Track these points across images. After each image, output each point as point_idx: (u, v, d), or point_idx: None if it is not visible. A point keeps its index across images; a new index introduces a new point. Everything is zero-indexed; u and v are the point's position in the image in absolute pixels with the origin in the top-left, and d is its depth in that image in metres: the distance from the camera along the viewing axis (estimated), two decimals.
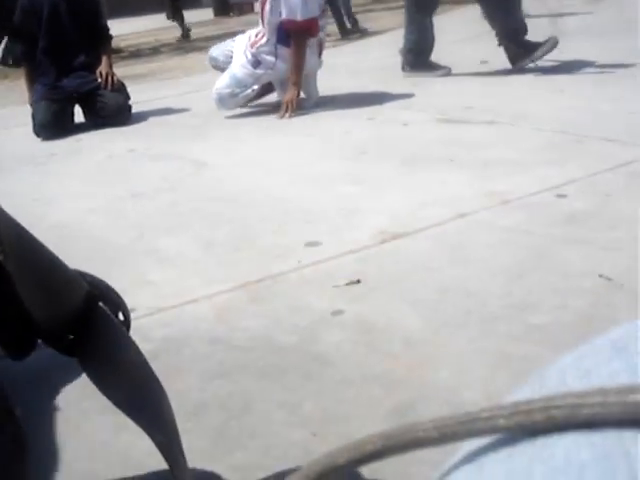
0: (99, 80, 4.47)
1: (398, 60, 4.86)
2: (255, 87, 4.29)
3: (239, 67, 4.26)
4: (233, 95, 4.27)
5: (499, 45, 4.59)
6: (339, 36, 8.15)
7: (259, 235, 2.21)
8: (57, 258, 0.39)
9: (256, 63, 4.18)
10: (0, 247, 0.31)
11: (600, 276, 1.66)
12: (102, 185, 3.09)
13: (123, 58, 8.79)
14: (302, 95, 4.25)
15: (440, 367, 1.39)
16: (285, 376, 1.42)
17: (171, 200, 2.69)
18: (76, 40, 4.49)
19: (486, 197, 2.28)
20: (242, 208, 2.50)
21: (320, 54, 4.36)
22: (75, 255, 2.22)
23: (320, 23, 4.21)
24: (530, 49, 4.45)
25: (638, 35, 5.73)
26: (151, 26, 12.96)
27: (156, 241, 2.27)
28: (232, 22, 17.36)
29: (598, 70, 4.41)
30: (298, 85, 4.12)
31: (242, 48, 4.28)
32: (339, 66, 5.19)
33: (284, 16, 4.03)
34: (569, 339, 1.37)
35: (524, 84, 4.20)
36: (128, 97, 4.59)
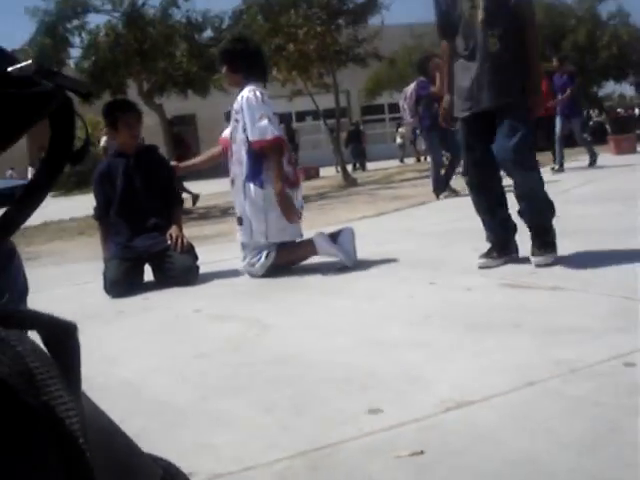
0: (169, 242, 4.64)
1: (458, 224, 4.93)
2: (266, 252, 4.44)
3: (240, 234, 4.57)
4: (251, 265, 4.47)
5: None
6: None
7: (321, 400, 2.19)
8: (133, 444, 0.39)
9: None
10: (86, 445, 0.33)
11: None
12: (167, 344, 3.13)
13: (193, 219, 9.14)
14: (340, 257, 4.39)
15: None
16: None
17: (234, 362, 2.71)
18: (148, 203, 4.72)
19: (553, 365, 2.23)
20: (304, 371, 2.49)
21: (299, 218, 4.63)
22: (138, 415, 2.24)
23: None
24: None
25: None
26: (220, 189, 13.53)
27: (218, 403, 2.27)
28: None
29: None
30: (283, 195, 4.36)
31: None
32: (400, 228, 5.29)
33: (254, 138, 4.36)
34: None
35: (588, 246, 4.19)
36: (196, 258, 4.74)
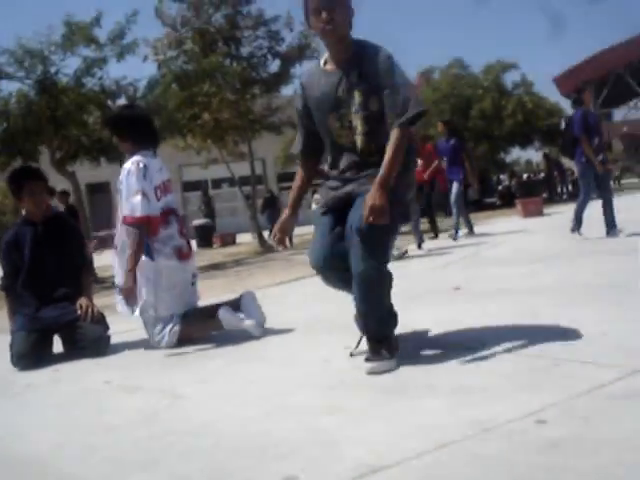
0: (79, 312, 4.52)
1: None
2: (170, 326, 4.36)
3: (121, 305, 4.43)
4: (157, 342, 4.38)
5: None
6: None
7: (234, 470, 2.13)
8: None
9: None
10: None
11: None
12: (76, 418, 3.02)
13: (105, 288, 8.93)
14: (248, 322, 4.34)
15: None
16: None
17: (145, 434, 2.63)
18: (57, 273, 4.61)
19: (466, 425, 2.24)
20: (217, 442, 2.43)
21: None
22: None
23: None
24: None
25: (611, 258, 5.98)
26: None
27: (128, 477, 2.19)
28: (214, 252, 17.96)
29: (571, 293, 4.53)
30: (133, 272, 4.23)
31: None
32: (318, 292, 5.29)
33: (125, 213, 4.29)
34: None
35: (491, 305, 4.28)
36: (107, 327, 4.62)
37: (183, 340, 4.37)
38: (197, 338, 4.43)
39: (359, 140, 3.20)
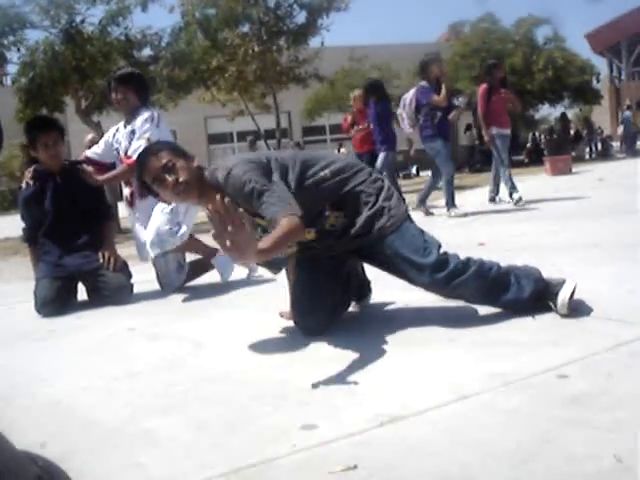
0: (101, 260, 4.54)
1: None
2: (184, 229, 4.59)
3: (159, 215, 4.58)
4: (172, 234, 4.53)
5: None
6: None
7: (254, 417, 2.14)
8: (6, 443, 0.37)
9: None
10: None
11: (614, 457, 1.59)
12: (98, 363, 3.05)
13: (129, 238, 8.97)
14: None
15: None
16: None
17: (166, 380, 2.65)
18: (78, 222, 4.62)
19: (487, 378, 2.24)
20: (238, 389, 2.45)
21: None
22: (66, 434, 2.17)
23: None
24: None
25: (636, 217, 5.89)
26: None
27: (148, 422, 2.21)
28: None
29: (595, 249, 4.48)
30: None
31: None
32: None
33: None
34: None
35: (516, 261, 4.24)
36: (130, 276, 4.66)
37: (182, 250, 4.78)
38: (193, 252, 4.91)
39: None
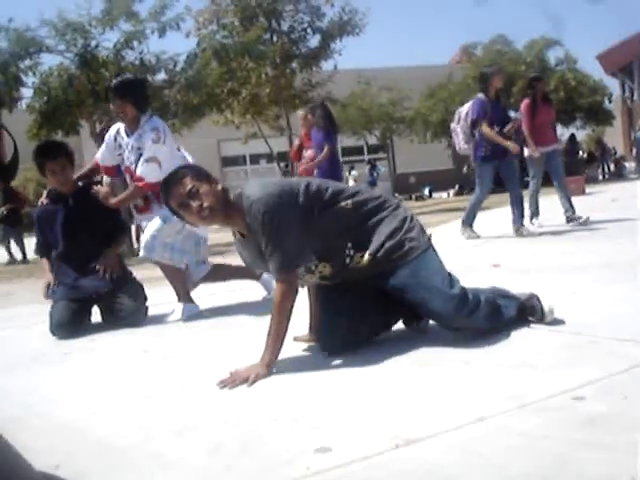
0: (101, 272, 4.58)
1: None
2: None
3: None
4: (165, 245, 4.60)
5: None
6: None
7: (268, 439, 2.14)
8: (22, 459, 0.37)
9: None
10: None
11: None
12: (112, 385, 3.06)
13: (141, 261, 8.99)
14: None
15: None
16: None
17: (180, 403, 2.65)
18: (92, 244, 4.62)
19: (503, 400, 2.22)
20: (252, 410, 2.44)
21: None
22: (79, 456, 2.17)
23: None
24: None
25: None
26: None
27: (162, 444, 2.20)
28: None
29: (609, 270, 4.46)
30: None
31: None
32: None
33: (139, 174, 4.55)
34: None
35: (530, 282, 4.22)
36: (146, 299, 4.67)
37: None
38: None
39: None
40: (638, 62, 32.76)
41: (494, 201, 10.88)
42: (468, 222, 7.94)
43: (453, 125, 7.96)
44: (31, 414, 2.71)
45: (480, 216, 8.17)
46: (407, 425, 2.10)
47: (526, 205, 8.15)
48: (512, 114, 8.06)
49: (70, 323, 4.40)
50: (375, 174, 26.98)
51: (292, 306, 2.90)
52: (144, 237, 4.63)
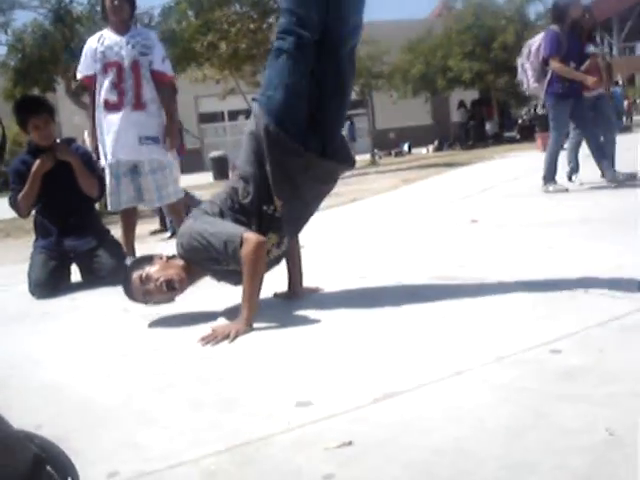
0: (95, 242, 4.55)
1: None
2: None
3: None
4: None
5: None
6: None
7: (249, 395, 2.16)
8: (2, 419, 0.37)
9: None
10: None
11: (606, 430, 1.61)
12: (93, 344, 3.06)
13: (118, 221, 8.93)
14: None
15: None
16: None
17: (162, 360, 2.66)
18: (71, 200, 4.59)
19: (481, 354, 2.25)
20: (233, 367, 2.46)
21: None
22: (61, 415, 2.18)
23: None
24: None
25: (626, 194, 5.92)
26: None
27: (144, 402, 2.22)
28: None
29: (587, 226, 4.50)
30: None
31: None
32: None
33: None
34: None
35: (512, 240, 4.27)
36: (124, 257, 4.65)
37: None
38: None
39: None
40: (617, 17, 32.64)
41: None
42: (550, 177, 6.97)
43: (521, 60, 7.09)
44: (12, 375, 2.71)
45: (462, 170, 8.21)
46: (386, 380, 2.13)
47: (562, 160, 7.26)
48: (591, 48, 7.16)
49: (48, 282, 4.38)
50: (353, 130, 26.91)
51: (261, 259, 2.95)
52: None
